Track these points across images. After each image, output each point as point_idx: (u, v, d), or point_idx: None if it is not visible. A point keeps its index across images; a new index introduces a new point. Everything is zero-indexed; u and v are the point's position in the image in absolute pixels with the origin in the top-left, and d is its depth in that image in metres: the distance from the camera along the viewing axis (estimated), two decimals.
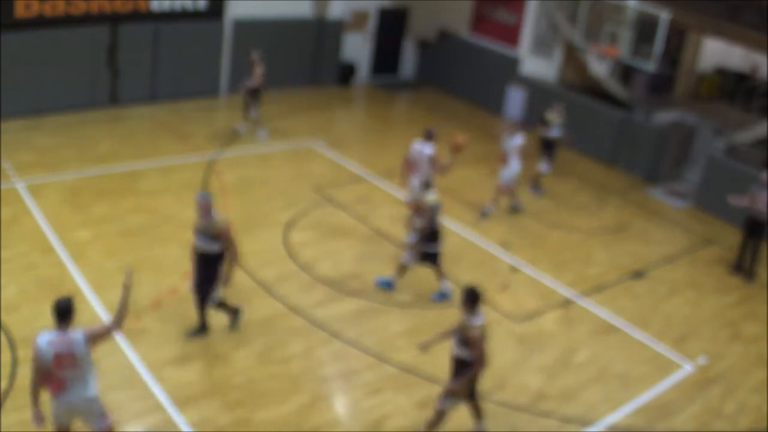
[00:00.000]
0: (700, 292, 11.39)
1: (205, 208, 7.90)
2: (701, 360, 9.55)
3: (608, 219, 13.59)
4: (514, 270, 11.15)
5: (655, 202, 14.74)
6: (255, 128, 14.80)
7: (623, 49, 15.73)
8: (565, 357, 9.22)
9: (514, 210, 13.03)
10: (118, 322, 5.92)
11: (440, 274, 9.84)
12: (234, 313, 8.68)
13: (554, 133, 13.55)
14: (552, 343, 9.46)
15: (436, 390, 8.22)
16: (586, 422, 8.09)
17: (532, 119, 17.79)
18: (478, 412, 7.39)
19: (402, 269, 9.84)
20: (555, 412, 8.18)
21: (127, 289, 5.91)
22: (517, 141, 12.31)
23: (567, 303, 10.50)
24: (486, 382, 8.48)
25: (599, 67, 16.71)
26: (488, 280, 10.72)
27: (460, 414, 7.89)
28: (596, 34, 16.27)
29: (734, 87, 18.86)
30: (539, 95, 17.68)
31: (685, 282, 11.64)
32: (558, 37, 17.65)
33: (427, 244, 9.53)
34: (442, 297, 9.88)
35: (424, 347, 7.47)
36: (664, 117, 16.30)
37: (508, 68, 18.32)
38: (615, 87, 16.71)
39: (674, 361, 9.45)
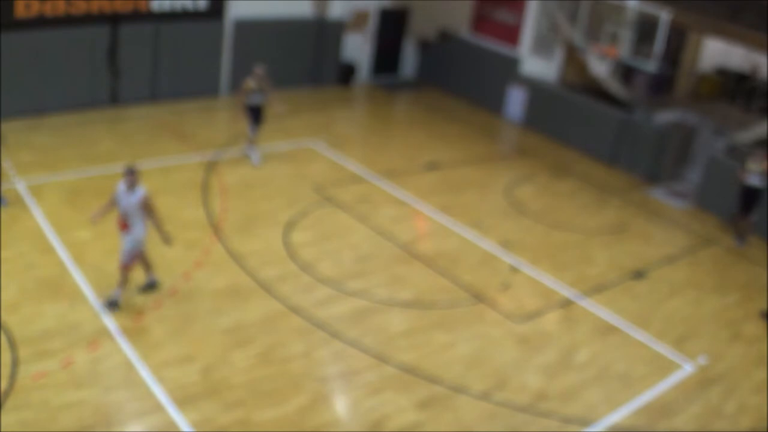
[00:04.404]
0: (700, 293, 11.38)
1: None
2: (701, 360, 9.55)
3: (609, 219, 13.59)
4: (514, 270, 11.15)
5: (655, 202, 14.73)
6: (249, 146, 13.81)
7: (623, 49, 15.72)
8: (565, 357, 9.22)
9: (150, 287, 9.32)
10: None
11: None
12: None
13: (755, 180, 12.83)
14: (552, 343, 9.46)
15: (437, 390, 8.24)
16: (587, 422, 8.08)
17: (531, 120, 17.86)
18: None
19: None
20: (555, 412, 8.17)
21: None
22: (138, 195, 8.48)
23: (567, 303, 10.49)
24: (486, 381, 8.51)
25: (599, 67, 16.69)
26: (488, 280, 10.76)
27: (462, 413, 7.89)
28: (596, 34, 16.26)
29: (734, 87, 18.89)
30: (539, 95, 17.70)
31: (686, 282, 11.63)
32: (558, 37, 17.65)
33: None
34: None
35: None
36: (665, 117, 16.30)
37: (509, 68, 18.31)
38: (615, 87, 16.70)
39: (675, 362, 9.44)
